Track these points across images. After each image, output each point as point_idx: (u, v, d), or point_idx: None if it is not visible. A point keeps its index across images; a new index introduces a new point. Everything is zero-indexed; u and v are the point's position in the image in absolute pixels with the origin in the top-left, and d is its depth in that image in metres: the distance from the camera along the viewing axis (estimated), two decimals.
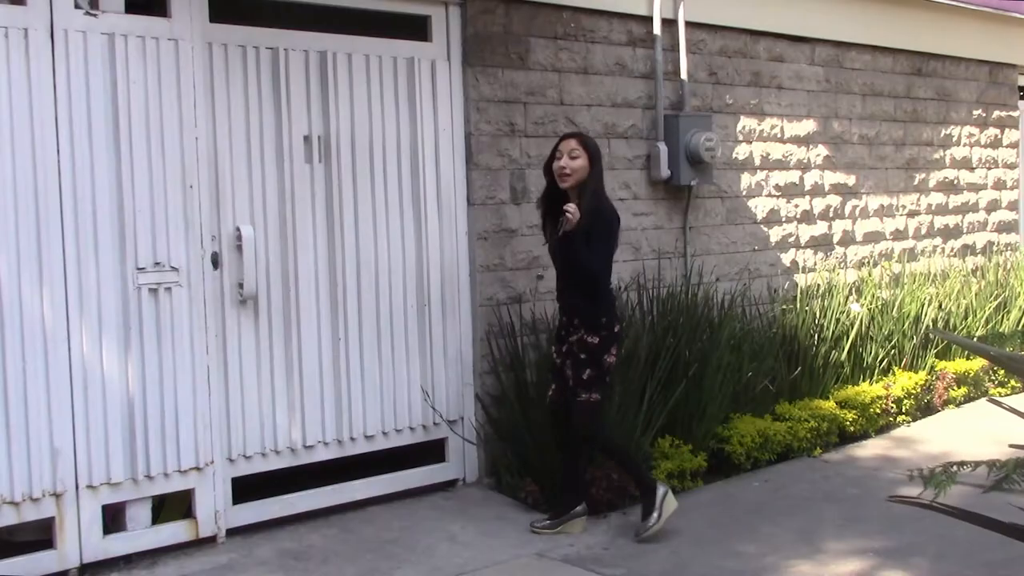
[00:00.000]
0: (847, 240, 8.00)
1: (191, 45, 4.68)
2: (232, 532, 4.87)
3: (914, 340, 7.42)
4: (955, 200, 8.97)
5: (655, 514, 4.90)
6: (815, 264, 7.70)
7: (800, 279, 7.53)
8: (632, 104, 6.50)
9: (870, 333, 7.24)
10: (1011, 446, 2.71)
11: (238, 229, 4.89)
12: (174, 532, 4.70)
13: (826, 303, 7.15)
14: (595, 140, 5.09)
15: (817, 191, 7.75)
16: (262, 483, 5.07)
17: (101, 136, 4.44)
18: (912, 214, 8.55)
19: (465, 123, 5.69)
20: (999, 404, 2.85)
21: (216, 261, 4.83)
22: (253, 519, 4.98)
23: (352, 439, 5.31)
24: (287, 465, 5.12)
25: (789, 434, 6.18)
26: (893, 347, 7.32)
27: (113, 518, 4.56)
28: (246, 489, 5.00)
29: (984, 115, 9.22)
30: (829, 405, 6.54)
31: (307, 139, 5.15)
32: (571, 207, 4.76)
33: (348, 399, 5.29)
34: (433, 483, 5.61)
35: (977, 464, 2.65)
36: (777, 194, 7.45)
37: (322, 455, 5.24)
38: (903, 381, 7.10)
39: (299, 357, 5.12)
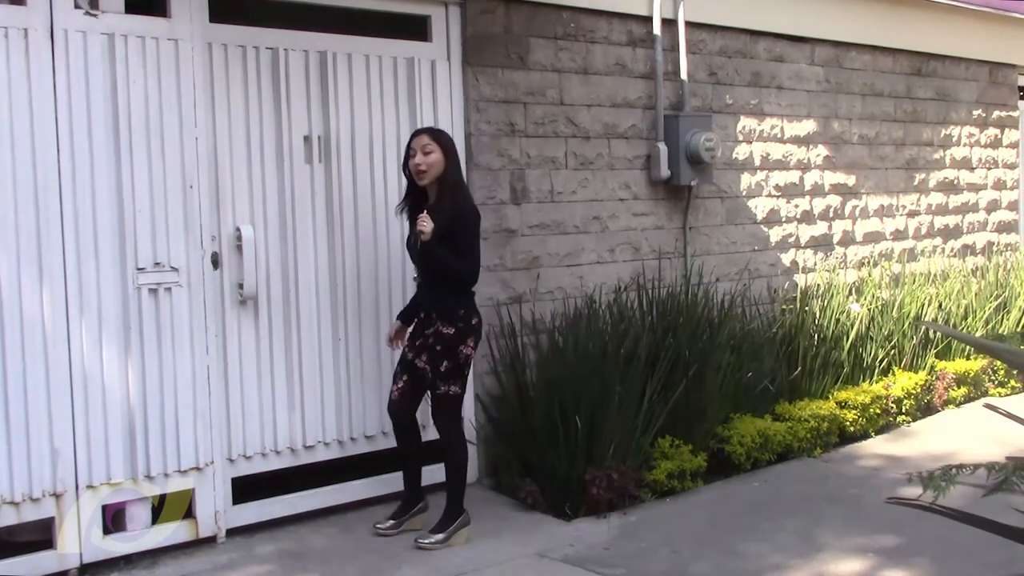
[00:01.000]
0: (847, 240, 8.00)
1: (191, 45, 4.68)
2: (232, 532, 4.87)
3: (914, 340, 7.42)
4: (955, 200, 8.98)
5: (442, 535, 4.81)
6: (815, 264, 7.71)
7: (800, 279, 7.54)
8: (632, 104, 6.50)
9: (870, 333, 7.24)
10: (1008, 458, 2.71)
11: (238, 229, 4.89)
12: (174, 532, 4.69)
13: (826, 303, 7.15)
14: (449, 135, 4.94)
15: (817, 191, 7.75)
16: (262, 483, 5.07)
17: (101, 136, 4.43)
18: (912, 214, 8.56)
19: (465, 123, 5.70)
20: (995, 409, 2.84)
21: (216, 261, 4.83)
22: (253, 519, 4.98)
23: (352, 439, 5.32)
24: (287, 465, 5.13)
25: (789, 434, 6.18)
26: (893, 347, 7.32)
27: (113, 518, 4.56)
28: (247, 489, 5.01)
29: (984, 115, 9.23)
30: (829, 405, 6.54)
31: (307, 139, 5.15)
32: (424, 219, 4.66)
33: (348, 399, 5.29)
34: (433, 483, 5.61)
35: (976, 466, 2.64)
36: (777, 194, 7.45)
37: (322, 455, 5.25)
38: (903, 381, 7.10)
39: (299, 357, 5.12)
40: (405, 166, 4.91)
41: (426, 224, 4.66)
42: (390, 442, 5.45)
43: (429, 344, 4.83)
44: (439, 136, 4.83)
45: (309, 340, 5.15)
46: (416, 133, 4.91)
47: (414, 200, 4.93)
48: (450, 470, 4.95)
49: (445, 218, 4.70)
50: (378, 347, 5.38)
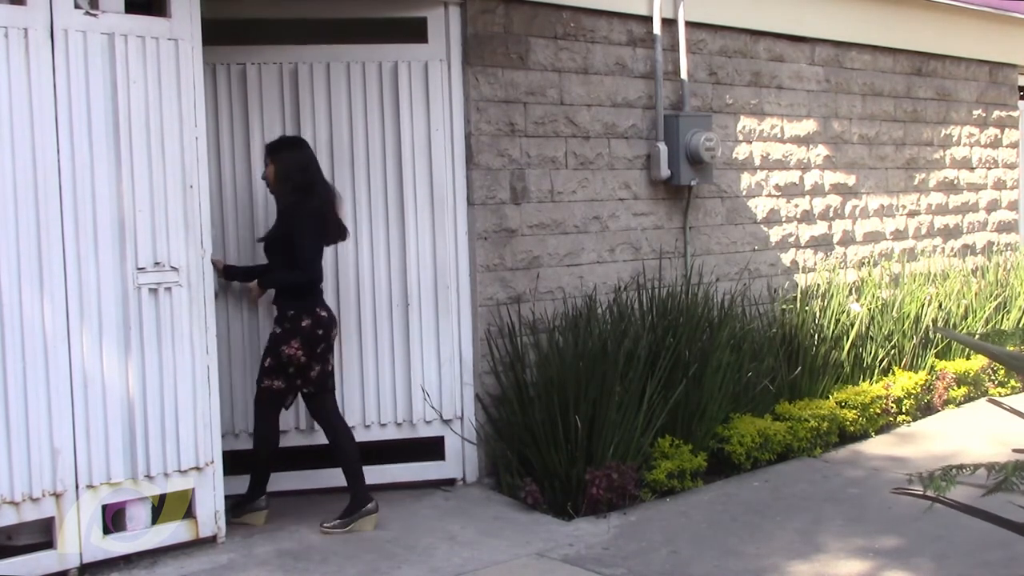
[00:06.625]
0: (847, 240, 8.00)
1: (191, 45, 4.68)
2: (232, 532, 4.87)
3: (914, 340, 7.42)
4: (955, 200, 8.98)
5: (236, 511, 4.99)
6: (815, 264, 7.71)
7: (800, 279, 7.54)
8: (632, 104, 6.50)
9: (870, 333, 7.24)
10: (1014, 450, 2.71)
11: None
12: (174, 532, 4.70)
13: (826, 303, 7.15)
14: (285, 139, 5.12)
15: (817, 191, 7.75)
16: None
17: (101, 136, 4.43)
18: (912, 214, 8.56)
19: (465, 123, 5.70)
20: (999, 404, 2.85)
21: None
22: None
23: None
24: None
25: (789, 434, 6.18)
26: (893, 347, 7.32)
27: (113, 518, 4.56)
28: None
29: (984, 115, 9.22)
30: (829, 405, 6.54)
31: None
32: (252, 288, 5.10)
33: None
34: (428, 479, 5.64)
35: (976, 467, 2.65)
36: (777, 194, 7.45)
37: (294, 440, 5.44)
38: (903, 381, 7.09)
39: None
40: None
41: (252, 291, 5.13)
42: (372, 435, 5.57)
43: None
44: (273, 150, 5.03)
45: None
46: None
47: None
48: (252, 468, 5.12)
49: (281, 219, 4.97)
50: (360, 343, 5.52)
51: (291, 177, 4.94)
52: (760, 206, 7.33)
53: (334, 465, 5.17)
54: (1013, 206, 9.66)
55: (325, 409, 5.06)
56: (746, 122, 7.22)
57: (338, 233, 5.12)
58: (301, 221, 4.91)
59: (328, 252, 5.42)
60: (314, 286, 4.99)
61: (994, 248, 9.30)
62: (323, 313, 4.97)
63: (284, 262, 4.96)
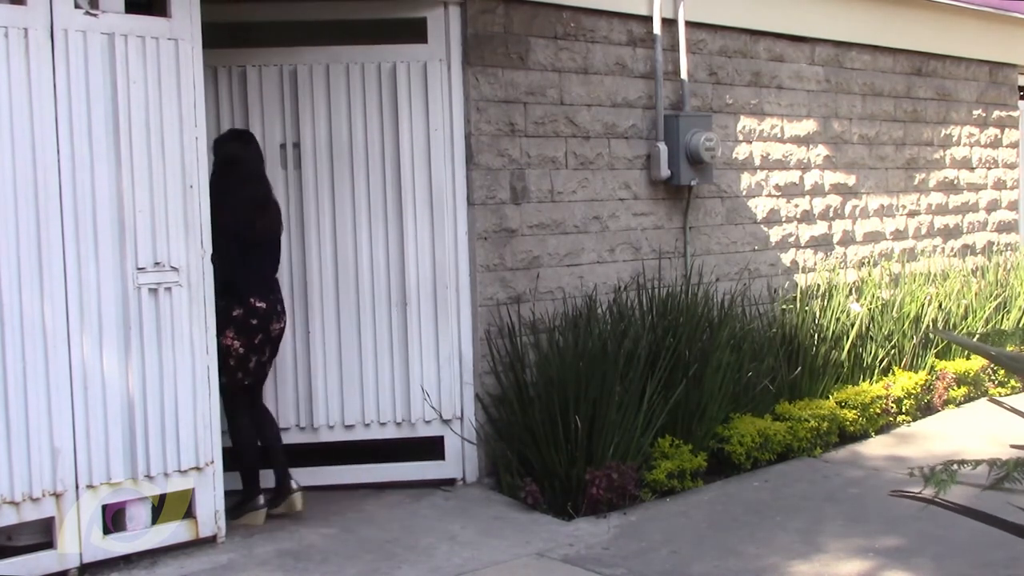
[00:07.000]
0: (847, 240, 8.00)
1: (191, 45, 4.68)
2: (232, 532, 4.87)
3: (914, 340, 7.42)
4: (955, 200, 8.98)
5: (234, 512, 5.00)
6: (815, 264, 7.71)
7: (800, 279, 7.54)
8: (632, 104, 6.50)
9: (870, 333, 7.24)
10: (1012, 446, 2.71)
11: None
12: (174, 532, 4.70)
13: (826, 303, 7.15)
14: (228, 132, 5.20)
15: (817, 191, 7.75)
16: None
17: (101, 136, 4.44)
18: (912, 214, 8.56)
19: (465, 123, 5.70)
20: (1000, 404, 2.85)
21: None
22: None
23: (330, 427, 5.57)
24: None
25: (789, 434, 6.18)
26: (893, 347, 7.32)
27: (113, 518, 4.56)
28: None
29: (984, 115, 9.23)
30: (829, 405, 6.54)
31: (296, 145, 5.47)
32: None
33: (310, 389, 5.55)
34: (428, 479, 5.64)
35: (977, 463, 2.65)
36: (777, 194, 7.45)
37: (294, 438, 5.49)
38: (903, 381, 7.09)
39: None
40: None
41: None
42: (373, 434, 5.62)
43: None
44: (213, 144, 5.04)
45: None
46: None
47: None
48: (238, 460, 5.10)
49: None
50: (359, 343, 5.56)
51: (216, 171, 4.95)
52: (760, 206, 7.33)
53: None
54: (1013, 206, 9.66)
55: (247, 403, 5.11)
56: (746, 122, 7.22)
57: (272, 228, 5.08)
58: (220, 217, 4.87)
59: (327, 252, 5.46)
60: (234, 282, 4.92)
61: (994, 248, 9.30)
62: (258, 304, 4.95)
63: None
